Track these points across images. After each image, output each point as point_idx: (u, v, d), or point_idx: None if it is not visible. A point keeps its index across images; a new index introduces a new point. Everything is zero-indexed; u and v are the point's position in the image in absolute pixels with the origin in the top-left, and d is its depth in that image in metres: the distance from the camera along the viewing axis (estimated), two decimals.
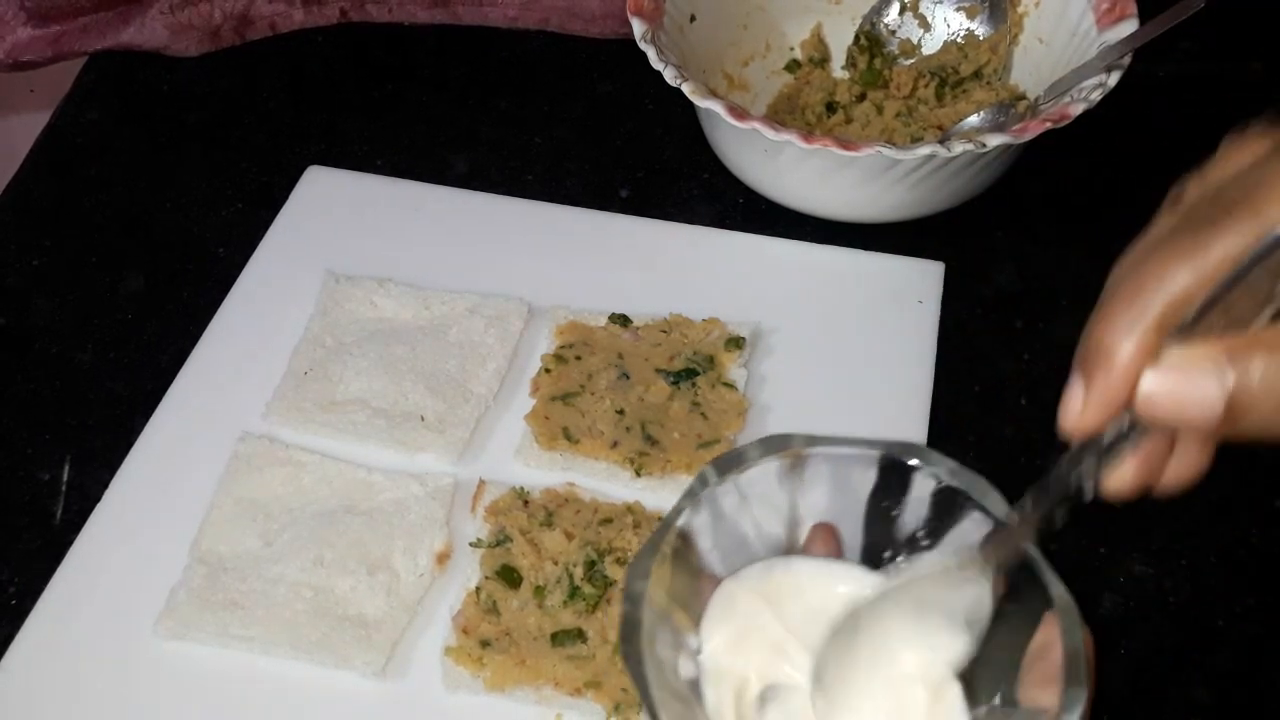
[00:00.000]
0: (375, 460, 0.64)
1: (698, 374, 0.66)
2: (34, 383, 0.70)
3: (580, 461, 0.64)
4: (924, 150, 0.65)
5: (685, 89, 0.68)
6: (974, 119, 0.76)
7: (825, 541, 0.45)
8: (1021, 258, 0.76)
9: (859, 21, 0.82)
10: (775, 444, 0.44)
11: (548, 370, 0.67)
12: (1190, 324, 0.36)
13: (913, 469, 0.44)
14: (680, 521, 0.42)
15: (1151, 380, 0.36)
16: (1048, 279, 0.73)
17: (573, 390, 0.66)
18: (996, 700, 0.42)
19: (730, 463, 0.43)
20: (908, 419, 0.66)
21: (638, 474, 0.63)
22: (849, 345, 0.69)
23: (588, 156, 0.81)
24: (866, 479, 0.45)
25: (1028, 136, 0.66)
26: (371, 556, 0.60)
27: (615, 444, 0.64)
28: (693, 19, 0.77)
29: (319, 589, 0.59)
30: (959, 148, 0.65)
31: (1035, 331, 0.72)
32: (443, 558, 0.60)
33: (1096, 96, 0.67)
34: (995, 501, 0.43)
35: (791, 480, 0.44)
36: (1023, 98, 0.77)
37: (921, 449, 0.44)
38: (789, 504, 0.45)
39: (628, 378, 0.66)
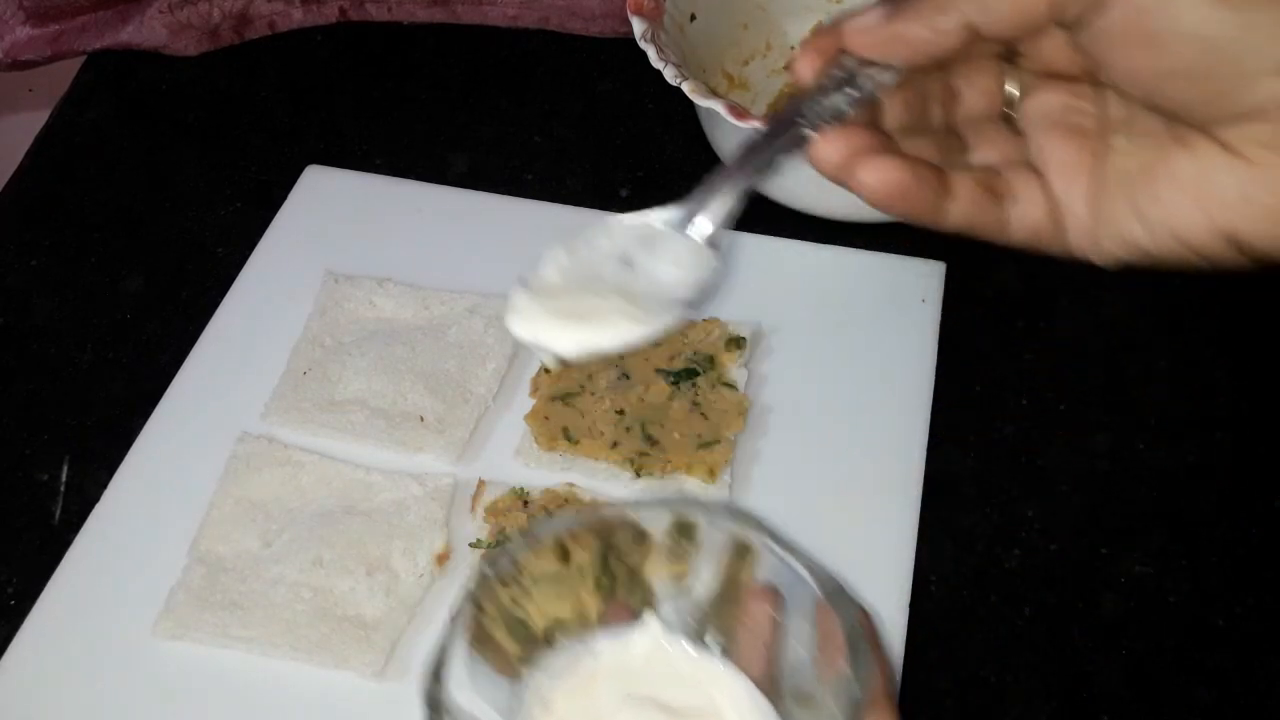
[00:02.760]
0: (374, 460, 0.64)
1: (698, 374, 0.66)
2: (33, 383, 0.70)
3: (580, 462, 0.64)
4: None
5: (685, 88, 0.68)
6: None
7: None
8: (1022, 258, 0.75)
9: None
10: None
11: (547, 370, 0.67)
12: None
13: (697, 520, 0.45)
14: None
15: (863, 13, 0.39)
16: (1048, 279, 0.73)
17: (572, 390, 0.66)
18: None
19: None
20: (908, 419, 0.66)
21: (638, 474, 0.63)
22: (850, 345, 0.69)
23: (588, 156, 0.81)
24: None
25: None
26: (371, 557, 0.60)
27: (615, 444, 0.64)
28: (693, 18, 0.77)
29: (318, 589, 0.59)
30: None
31: (1035, 331, 0.72)
32: (442, 558, 0.60)
33: None
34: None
35: None
36: None
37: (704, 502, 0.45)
38: None
39: (628, 378, 0.66)
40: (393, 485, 0.63)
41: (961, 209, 0.42)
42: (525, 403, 0.66)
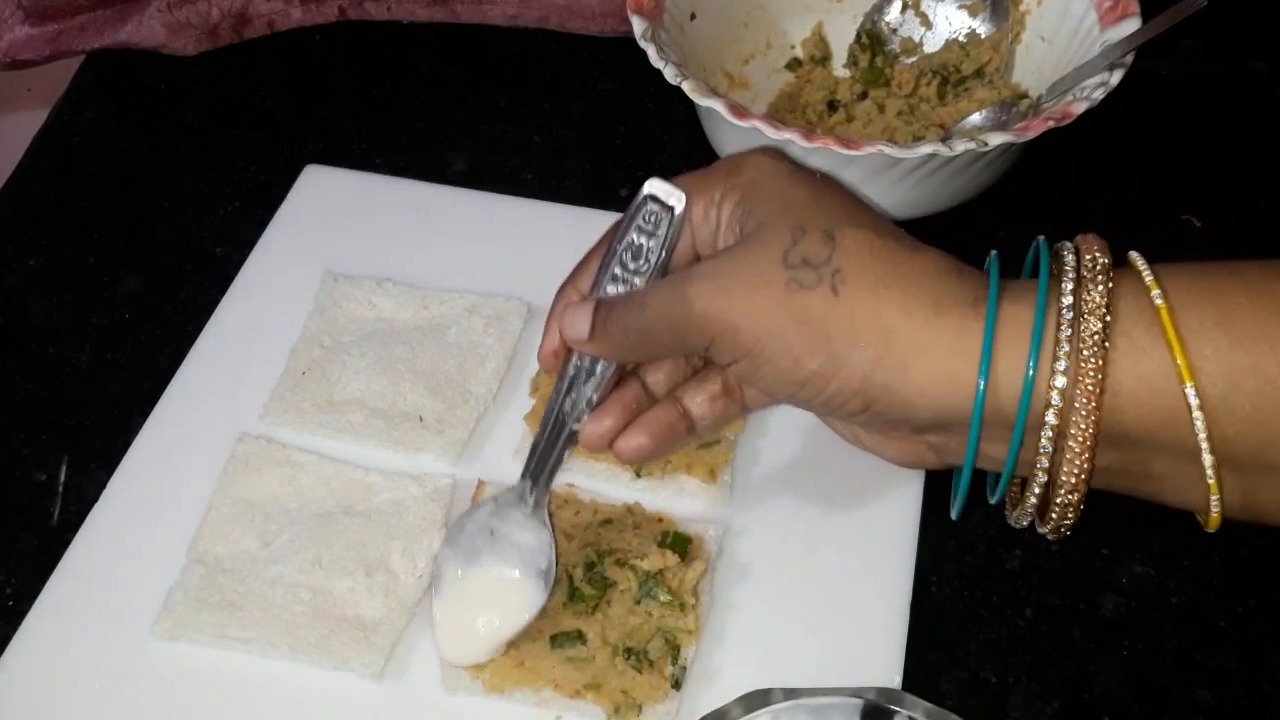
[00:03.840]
0: (373, 461, 0.64)
1: None
2: (31, 383, 0.70)
3: (580, 462, 0.64)
4: (925, 149, 0.65)
5: (685, 87, 0.68)
6: (976, 117, 0.76)
7: None
8: (1022, 258, 0.76)
9: (860, 19, 0.82)
10: (756, 700, 0.46)
11: (547, 370, 0.67)
12: (596, 283, 0.53)
13: (893, 714, 0.46)
14: None
15: (564, 315, 0.53)
16: None
17: None
18: None
19: None
20: None
21: (638, 475, 0.63)
22: None
23: (587, 155, 0.81)
24: None
25: (1030, 135, 0.65)
26: (370, 557, 0.60)
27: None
28: (693, 17, 0.76)
29: (317, 590, 0.59)
30: (961, 146, 0.65)
31: None
32: None
33: (1099, 95, 0.66)
34: None
35: None
36: (1025, 96, 0.77)
37: (898, 693, 0.47)
38: None
39: None
40: (392, 485, 0.63)
41: (708, 423, 0.55)
42: (525, 403, 0.66)
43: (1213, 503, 0.45)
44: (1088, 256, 0.45)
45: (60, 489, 0.65)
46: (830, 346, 0.46)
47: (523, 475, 0.57)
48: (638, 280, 0.52)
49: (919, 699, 0.47)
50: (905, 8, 0.81)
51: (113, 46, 0.87)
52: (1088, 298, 0.43)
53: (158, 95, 0.87)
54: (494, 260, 0.73)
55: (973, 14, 0.81)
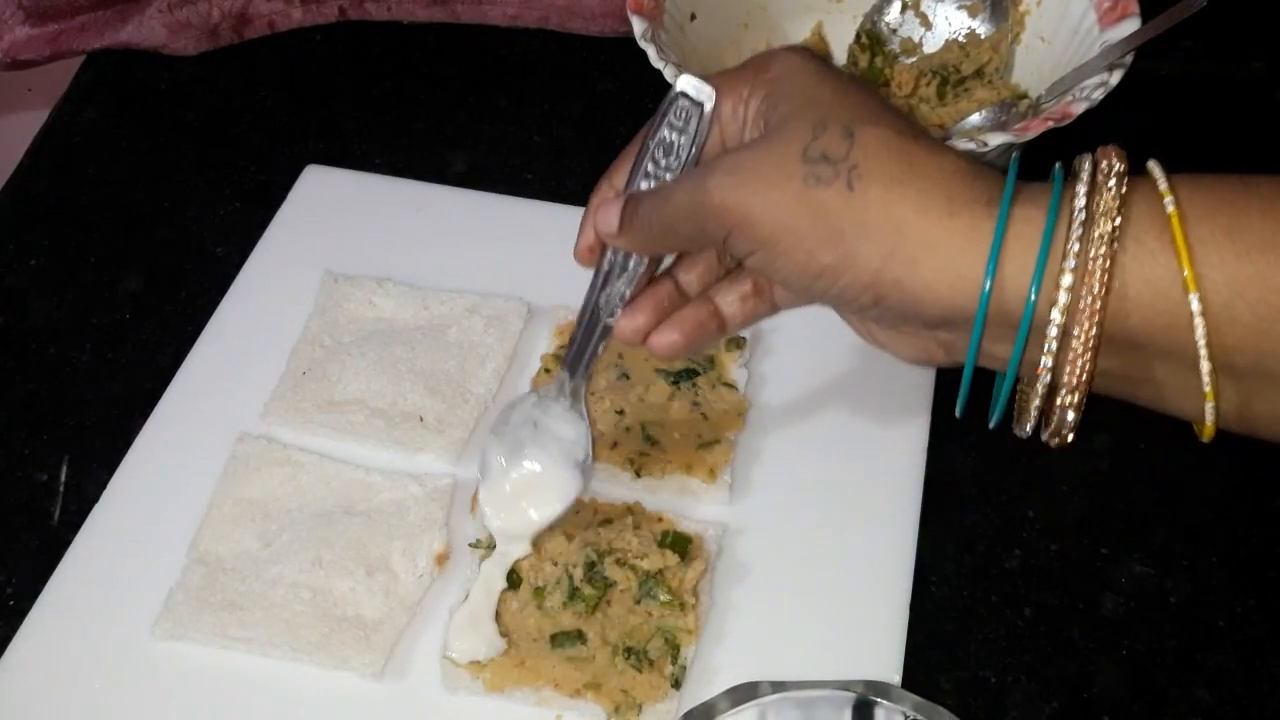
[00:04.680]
0: (374, 461, 0.64)
1: (698, 374, 0.66)
2: (32, 383, 0.70)
3: None
4: None
5: None
6: (976, 118, 0.76)
7: None
8: None
9: (860, 20, 0.82)
10: (744, 693, 0.47)
11: (547, 370, 0.67)
12: (630, 180, 0.53)
13: (879, 706, 0.46)
14: None
15: (598, 211, 0.53)
16: None
17: None
18: None
19: (701, 715, 0.46)
20: (908, 419, 0.65)
21: (638, 474, 0.63)
22: (850, 345, 0.69)
23: (588, 155, 0.81)
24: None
25: (1029, 135, 0.65)
26: (370, 557, 0.60)
27: (615, 444, 0.63)
28: (693, 17, 0.76)
29: (318, 590, 0.59)
30: (961, 146, 0.65)
31: None
32: (442, 558, 0.60)
33: (1098, 95, 0.66)
34: None
35: None
36: (1024, 96, 0.77)
37: (886, 686, 0.47)
38: None
39: (628, 378, 0.66)
40: (392, 485, 0.63)
41: (739, 322, 0.55)
42: None
43: (1208, 411, 0.45)
44: (1104, 163, 0.45)
45: (61, 489, 0.65)
46: (843, 241, 0.46)
47: (562, 366, 0.58)
48: (668, 177, 0.53)
49: (907, 692, 0.47)
50: (905, 8, 0.81)
51: (113, 46, 0.87)
52: (1100, 200, 0.44)
53: (158, 95, 0.87)
54: (494, 260, 0.73)
55: (972, 14, 0.81)
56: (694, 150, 0.52)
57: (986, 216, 0.45)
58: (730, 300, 0.55)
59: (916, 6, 0.81)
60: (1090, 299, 0.43)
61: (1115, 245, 0.43)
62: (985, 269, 0.45)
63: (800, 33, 0.82)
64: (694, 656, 0.57)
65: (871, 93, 0.51)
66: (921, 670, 0.58)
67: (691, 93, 0.52)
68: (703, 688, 0.56)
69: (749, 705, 0.46)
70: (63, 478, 0.66)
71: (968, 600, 0.61)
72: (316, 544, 0.60)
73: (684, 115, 0.52)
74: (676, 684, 0.55)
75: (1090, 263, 0.43)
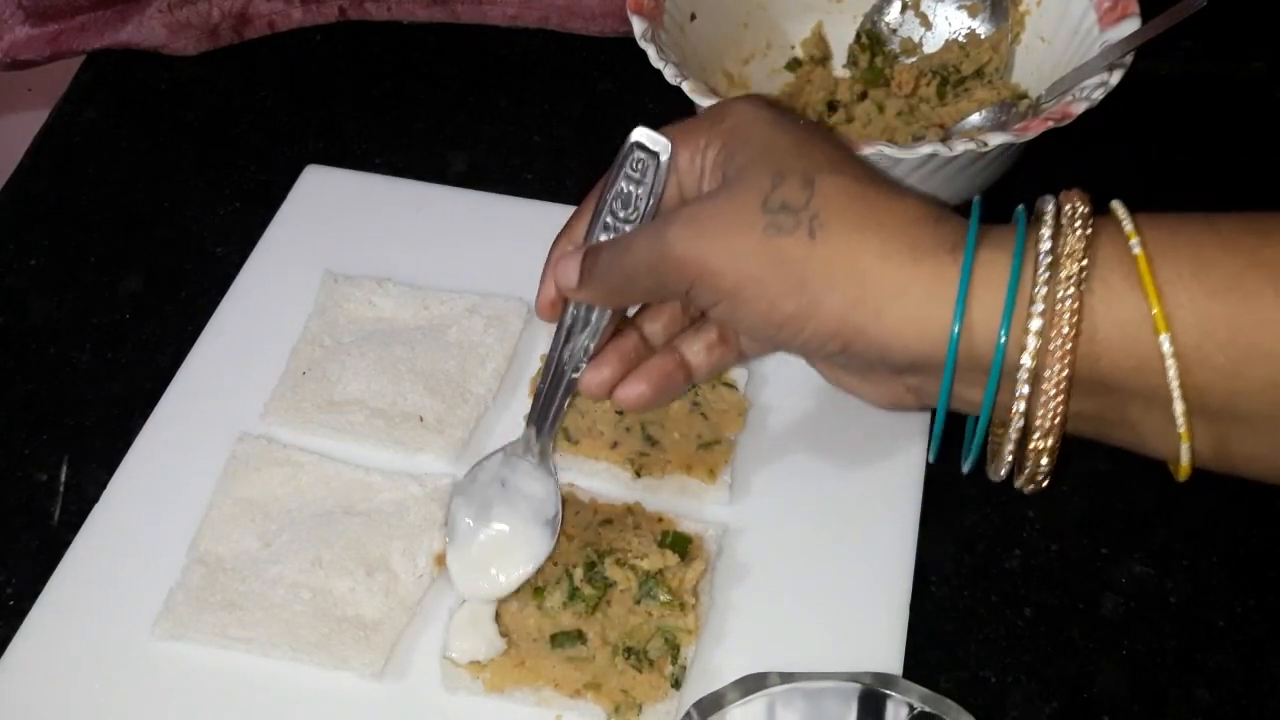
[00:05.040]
0: (374, 461, 0.64)
1: None
2: (31, 383, 0.70)
3: (580, 462, 0.64)
4: (925, 149, 0.65)
5: (685, 87, 0.68)
6: (976, 118, 0.76)
7: None
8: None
9: (860, 20, 0.82)
10: (752, 683, 0.47)
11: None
12: (589, 234, 0.54)
13: (887, 698, 0.47)
14: None
15: (557, 265, 0.54)
16: None
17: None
18: None
19: (710, 705, 0.46)
20: (909, 419, 0.65)
21: (637, 475, 0.63)
22: None
23: (587, 155, 0.81)
24: (844, 712, 0.47)
25: (1029, 135, 0.65)
26: (370, 557, 0.60)
27: (615, 444, 0.63)
28: (693, 17, 0.76)
29: (317, 590, 0.59)
30: (960, 147, 0.65)
31: None
32: (442, 559, 0.60)
33: (1098, 95, 0.66)
34: None
35: (771, 717, 0.47)
36: (1024, 96, 0.77)
37: (893, 678, 0.48)
38: None
39: None
40: (392, 485, 0.63)
41: (705, 372, 0.56)
42: (525, 403, 0.66)
43: (1184, 451, 0.45)
44: (1067, 205, 0.45)
45: (61, 489, 0.65)
46: (806, 290, 0.46)
47: (528, 423, 0.58)
48: (627, 228, 0.53)
49: (914, 684, 0.47)
50: (905, 8, 0.81)
51: (113, 46, 0.87)
52: (1065, 242, 0.44)
53: (158, 95, 0.87)
54: (494, 260, 0.73)
55: (972, 14, 0.81)
56: (651, 201, 0.52)
57: (951, 263, 0.45)
58: (696, 350, 0.55)
59: (916, 6, 0.81)
60: (1060, 341, 0.43)
61: (1082, 287, 0.43)
62: (953, 314, 0.44)
63: (800, 33, 0.82)
64: (694, 657, 0.57)
65: (831, 140, 0.51)
66: (921, 670, 0.58)
67: (647, 143, 0.52)
68: (703, 688, 0.56)
69: (757, 695, 0.46)
70: (62, 478, 0.66)
71: (968, 600, 0.61)
72: (316, 544, 0.60)
73: (640, 167, 0.53)
74: (676, 684, 0.55)
75: (1058, 304, 0.43)
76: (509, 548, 0.57)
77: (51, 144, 0.84)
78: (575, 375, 0.55)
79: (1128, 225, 0.44)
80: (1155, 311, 0.42)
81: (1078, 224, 0.44)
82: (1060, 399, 0.44)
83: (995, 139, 0.65)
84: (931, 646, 0.59)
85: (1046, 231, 0.44)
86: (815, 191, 0.46)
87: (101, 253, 0.77)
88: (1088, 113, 0.66)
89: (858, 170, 0.48)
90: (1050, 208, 0.46)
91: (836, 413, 0.66)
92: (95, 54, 0.88)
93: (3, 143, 0.91)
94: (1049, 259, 0.44)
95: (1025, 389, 0.45)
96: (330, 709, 0.56)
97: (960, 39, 0.80)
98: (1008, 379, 0.45)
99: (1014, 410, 0.45)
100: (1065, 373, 0.44)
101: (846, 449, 0.65)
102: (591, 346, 0.55)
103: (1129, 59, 0.68)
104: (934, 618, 0.60)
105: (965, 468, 0.50)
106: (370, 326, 0.70)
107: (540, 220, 0.75)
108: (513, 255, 0.73)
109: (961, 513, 0.64)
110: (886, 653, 0.57)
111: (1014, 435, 0.46)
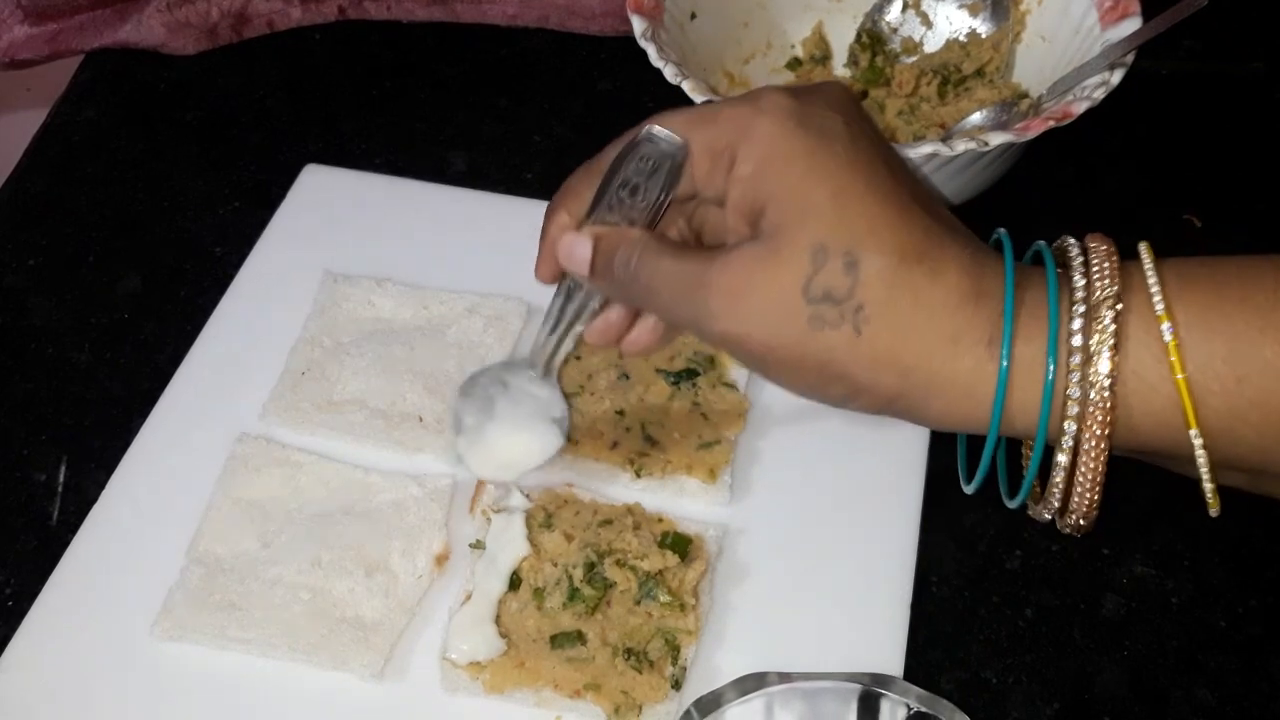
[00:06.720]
0: (373, 461, 0.64)
1: (698, 374, 0.66)
2: (30, 383, 0.70)
3: (580, 462, 0.64)
4: (926, 148, 0.64)
5: (685, 87, 0.68)
6: (976, 117, 0.76)
7: None
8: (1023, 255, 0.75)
9: (860, 19, 0.82)
10: (751, 683, 0.48)
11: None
12: (592, 210, 0.52)
13: (883, 698, 0.48)
14: None
15: (560, 241, 0.52)
16: None
17: (572, 390, 0.65)
18: None
19: (709, 705, 0.47)
20: None
21: (638, 475, 0.63)
22: None
23: (587, 155, 0.80)
24: (843, 712, 0.48)
25: (1030, 135, 0.65)
26: (369, 558, 0.60)
27: (615, 444, 0.63)
28: (693, 16, 0.76)
29: (317, 590, 0.59)
30: (961, 146, 0.65)
31: None
32: (441, 559, 0.60)
33: (1099, 95, 0.66)
34: None
35: (769, 717, 0.48)
36: (1025, 96, 0.77)
37: (892, 678, 0.48)
38: None
39: (628, 378, 0.66)
40: (391, 486, 0.63)
41: None
42: None
43: (1211, 500, 0.47)
44: (1098, 286, 0.46)
45: (60, 489, 0.65)
46: (849, 381, 0.47)
47: (530, 363, 0.58)
48: (635, 215, 0.52)
49: (912, 685, 0.47)
50: (905, 7, 0.81)
51: (112, 46, 0.87)
52: (1095, 336, 0.45)
53: (157, 95, 0.87)
54: (494, 260, 0.73)
55: (973, 13, 0.80)
56: (661, 196, 0.51)
57: (989, 359, 0.46)
58: None
59: (917, 5, 0.81)
60: (1096, 430, 0.45)
61: (1115, 388, 0.44)
62: (990, 411, 0.46)
63: (801, 32, 0.82)
64: (694, 657, 0.57)
65: (867, 186, 0.47)
66: (922, 670, 0.58)
67: (662, 142, 0.51)
68: (703, 688, 0.56)
69: (756, 695, 0.47)
70: (61, 478, 0.65)
71: (968, 600, 0.61)
72: (315, 544, 0.60)
73: (651, 164, 0.51)
74: (677, 685, 0.55)
75: (1092, 406, 0.45)
76: (519, 439, 0.58)
77: (50, 143, 0.84)
78: (580, 328, 0.55)
79: (1159, 307, 0.45)
80: (1187, 406, 0.44)
81: (1107, 314, 0.45)
82: (1096, 484, 0.46)
83: (996, 138, 0.65)
84: (932, 647, 0.59)
85: (1078, 325, 0.45)
86: (858, 281, 0.46)
87: (100, 252, 0.77)
88: (1089, 112, 0.66)
89: (898, 230, 0.46)
90: (1081, 282, 0.46)
91: (837, 413, 0.66)
92: (94, 53, 0.88)
93: (2, 143, 0.91)
94: (1080, 356, 0.45)
95: (1062, 474, 0.47)
96: (329, 710, 0.56)
97: (961, 38, 0.80)
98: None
99: (1052, 482, 0.47)
100: (1101, 457, 0.46)
101: (847, 449, 0.65)
102: (595, 305, 0.54)
103: (1130, 58, 0.68)
104: (935, 618, 0.60)
105: (969, 489, 0.52)
106: (369, 326, 0.70)
107: (540, 220, 0.75)
108: (512, 255, 0.73)
109: (962, 513, 0.64)
110: (887, 653, 0.57)
111: (1054, 505, 0.48)
